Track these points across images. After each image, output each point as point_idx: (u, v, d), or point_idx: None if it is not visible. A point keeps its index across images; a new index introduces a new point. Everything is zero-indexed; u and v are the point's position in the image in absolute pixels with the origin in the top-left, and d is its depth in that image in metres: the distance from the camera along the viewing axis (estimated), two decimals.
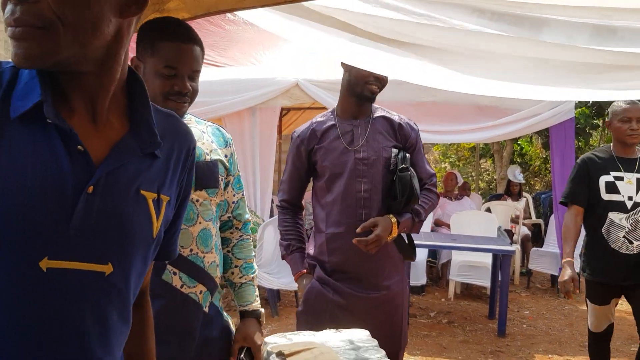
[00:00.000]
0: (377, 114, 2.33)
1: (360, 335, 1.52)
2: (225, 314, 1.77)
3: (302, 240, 2.38)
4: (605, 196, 3.00)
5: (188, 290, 1.60)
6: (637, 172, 3.03)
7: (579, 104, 8.53)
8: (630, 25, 1.87)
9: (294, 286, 4.95)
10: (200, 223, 1.62)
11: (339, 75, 2.36)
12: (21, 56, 0.79)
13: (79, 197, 0.83)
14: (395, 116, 2.35)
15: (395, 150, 2.27)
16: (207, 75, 5.46)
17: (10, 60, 0.83)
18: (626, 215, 2.97)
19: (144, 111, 0.94)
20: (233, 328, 1.79)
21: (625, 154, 3.07)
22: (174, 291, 1.58)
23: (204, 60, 5.79)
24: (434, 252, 6.36)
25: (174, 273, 1.57)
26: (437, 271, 6.50)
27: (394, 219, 2.19)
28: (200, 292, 1.63)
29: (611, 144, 3.15)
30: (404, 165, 2.22)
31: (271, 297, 5.10)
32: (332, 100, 5.00)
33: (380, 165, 2.24)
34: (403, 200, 2.19)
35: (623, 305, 5.60)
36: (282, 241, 2.39)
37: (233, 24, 6.40)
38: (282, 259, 2.43)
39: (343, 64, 2.28)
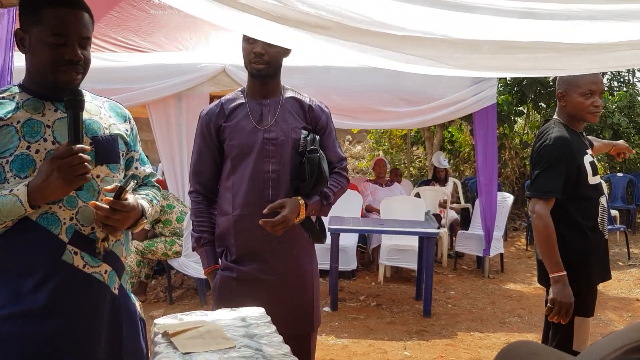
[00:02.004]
0: (288, 94, 2.31)
1: (254, 313, 1.51)
2: (132, 296, 1.73)
3: (214, 232, 2.30)
4: (592, 179, 2.46)
5: (91, 270, 1.55)
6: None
7: (503, 91, 8.82)
8: (551, 10, 1.90)
9: None
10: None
11: None
12: None
13: None
14: (305, 98, 2.33)
15: (304, 132, 2.25)
16: (130, 60, 5.31)
17: None
18: (604, 197, 2.56)
19: None
20: (141, 312, 1.75)
21: (579, 129, 2.56)
22: (74, 271, 1.52)
23: (127, 45, 5.55)
24: (364, 238, 6.45)
25: (75, 253, 1.52)
26: (368, 256, 6.59)
27: (301, 201, 2.17)
28: (106, 271, 1.58)
29: (558, 118, 2.55)
30: (313, 147, 2.21)
31: (200, 287, 5.03)
32: None
33: (289, 147, 2.21)
34: (311, 182, 2.17)
35: None
36: (193, 232, 2.31)
37: (158, 8, 6.23)
38: (193, 250, 2.36)
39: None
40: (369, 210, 6.76)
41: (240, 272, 2.20)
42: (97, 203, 1.50)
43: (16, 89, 1.57)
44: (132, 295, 1.73)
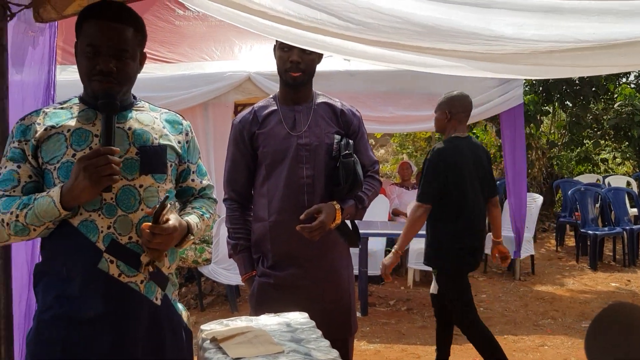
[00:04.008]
0: (319, 100, 2.32)
1: (298, 318, 1.52)
2: (179, 305, 1.72)
3: (250, 239, 2.31)
4: None
5: (127, 280, 1.55)
6: None
7: (528, 91, 8.72)
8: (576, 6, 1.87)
9: None
10: (142, 210, 1.57)
11: None
12: None
13: None
14: (337, 102, 2.35)
15: (337, 137, 2.26)
16: (157, 71, 5.38)
17: None
18: None
19: None
20: (188, 322, 1.73)
21: None
22: (109, 280, 1.54)
23: (154, 57, 5.59)
24: (392, 242, 6.41)
25: (111, 261, 1.53)
26: None
27: (337, 206, 2.18)
28: (142, 281, 1.57)
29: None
30: (347, 152, 2.21)
31: (230, 293, 5.06)
32: None
33: (323, 152, 2.22)
34: (346, 186, 2.18)
35: (575, 284, 5.81)
36: (229, 239, 2.33)
37: (183, 19, 6.31)
38: (229, 257, 2.37)
39: (273, 52, 2.26)
40: (396, 213, 6.73)
41: (277, 277, 2.22)
42: (142, 227, 1.51)
43: (76, 100, 1.64)
44: (179, 305, 1.72)
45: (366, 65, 5.34)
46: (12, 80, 2.02)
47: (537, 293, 5.64)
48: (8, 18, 1.92)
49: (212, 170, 5.43)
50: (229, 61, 5.71)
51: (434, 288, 3.62)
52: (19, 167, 1.52)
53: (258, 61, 5.48)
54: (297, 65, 2.19)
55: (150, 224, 1.49)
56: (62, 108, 1.61)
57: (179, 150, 1.70)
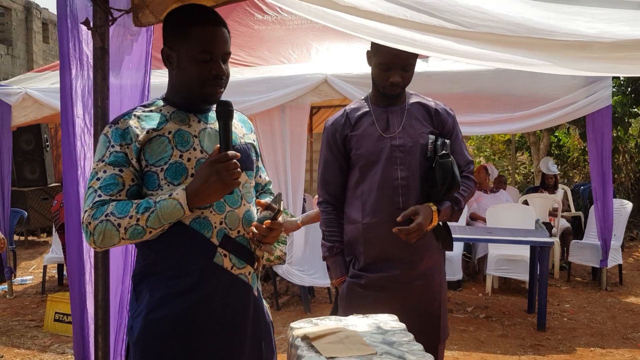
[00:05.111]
0: (412, 99, 2.28)
1: (388, 320, 1.49)
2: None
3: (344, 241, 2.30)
4: None
5: (238, 272, 1.61)
6: None
7: (616, 91, 8.26)
8: None
9: (327, 283, 4.94)
10: (244, 205, 1.64)
11: (367, 69, 2.28)
12: None
13: None
14: (431, 102, 2.29)
15: (432, 137, 2.21)
16: (236, 74, 5.51)
17: None
18: None
19: None
20: (270, 314, 1.79)
21: None
22: (224, 273, 1.59)
23: (234, 60, 5.73)
24: (469, 247, 6.25)
25: (225, 255, 1.59)
26: (474, 266, 6.38)
27: (434, 207, 2.13)
28: (249, 272, 1.64)
29: None
30: (444, 152, 2.16)
31: (303, 294, 5.10)
32: (361, 96, 4.93)
33: (417, 152, 2.18)
34: (444, 187, 2.12)
35: None
36: (325, 242, 2.32)
37: (262, 23, 6.43)
38: (324, 259, 2.36)
39: (367, 57, 2.23)
40: (473, 218, 6.56)
41: (368, 279, 2.19)
42: (257, 224, 1.59)
43: (161, 102, 1.66)
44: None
45: (444, 66, 5.24)
46: (111, 83, 2.11)
47: (626, 305, 5.32)
48: (110, 23, 2.01)
49: (287, 170, 5.50)
50: (305, 64, 5.76)
51: None
52: (121, 170, 1.53)
53: (334, 63, 5.49)
54: (397, 85, 2.17)
55: (269, 221, 1.58)
56: (151, 111, 1.62)
57: (257, 149, 1.78)
